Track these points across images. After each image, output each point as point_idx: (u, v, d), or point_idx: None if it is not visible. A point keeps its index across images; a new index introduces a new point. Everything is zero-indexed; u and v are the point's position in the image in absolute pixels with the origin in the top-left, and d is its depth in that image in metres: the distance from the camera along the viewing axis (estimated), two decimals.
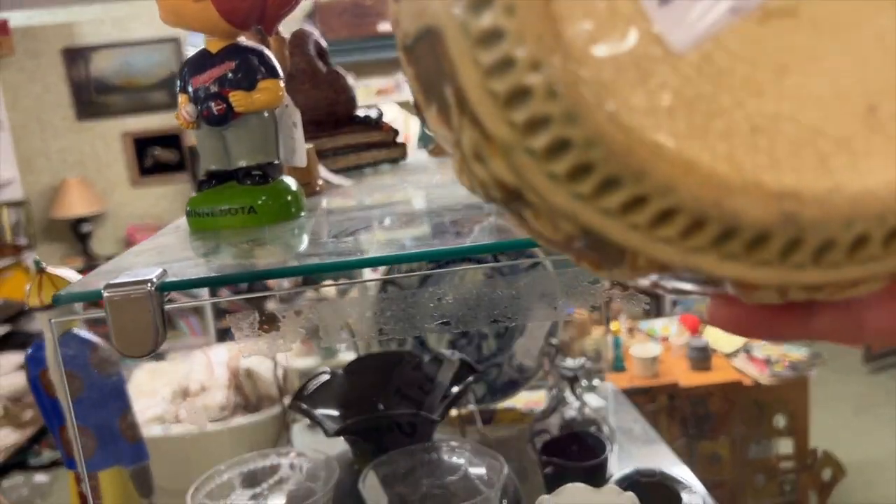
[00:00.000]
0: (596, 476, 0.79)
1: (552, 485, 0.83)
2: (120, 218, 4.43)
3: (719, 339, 2.70)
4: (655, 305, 4.36)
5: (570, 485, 0.59)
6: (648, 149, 0.16)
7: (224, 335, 4.04)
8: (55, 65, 4.25)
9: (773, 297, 0.18)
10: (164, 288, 0.40)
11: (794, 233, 0.17)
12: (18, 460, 3.41)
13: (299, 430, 1.17)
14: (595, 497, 0.57)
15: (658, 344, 2.64)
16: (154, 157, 4.40)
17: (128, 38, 4.23)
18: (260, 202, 0.57)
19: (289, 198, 0.59)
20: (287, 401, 2.54)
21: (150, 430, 2.37)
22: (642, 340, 2.71)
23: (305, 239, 0.56)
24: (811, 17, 0.17)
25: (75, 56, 4.26)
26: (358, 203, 0.71)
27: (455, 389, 0.75)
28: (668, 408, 2.37)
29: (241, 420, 2.45)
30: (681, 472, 0.85)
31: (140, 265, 0.45)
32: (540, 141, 0.17)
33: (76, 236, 4.31)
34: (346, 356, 3.06)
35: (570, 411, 0.97)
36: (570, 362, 0.95)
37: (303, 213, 0.61)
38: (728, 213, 0.16)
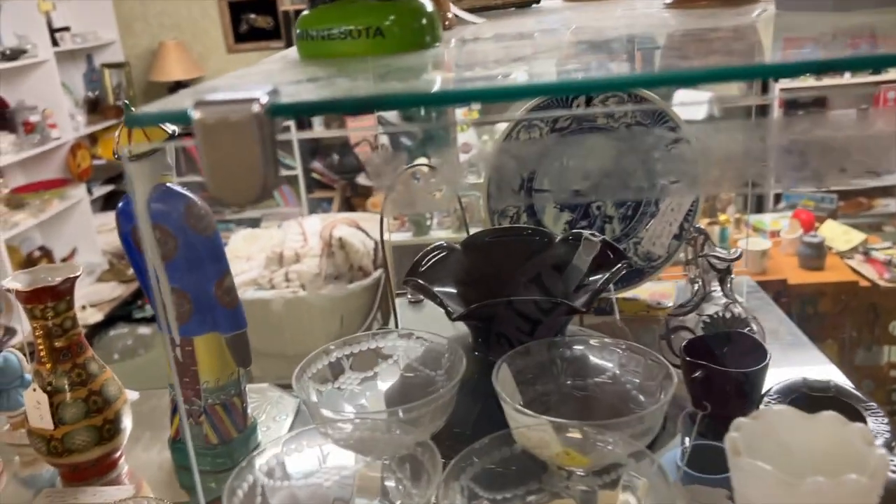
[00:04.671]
0: (754, 386, 0.67)
1: (699, 392, 0.72)
2: None
3: (836, 238, 2.48)
4: (756, 200, 4.07)
5: (773, 407, 0.47)
6: None
7: (315, 207, 4.03)
8: None
9: None
10: (277, 112, 0.29)
11: None
12: (124, 313, 3.59)
13: (400, 307, 1.09)
14: (810, 425, 0.44)
15: (766, 239, 2.47)
16: (249, 22, 4.30)
17: None
18: (388, 22, 0.44)
19: (423, 21, 0.46)
20: (379, 273, 2.49)
21: (243, 294, 2.40)
22: (749, 234, 2.54)
23: (440, 70, 0.44)
24: None
25: None
26: (494, 38, 0.58)
27: (598, 277, 0.63)
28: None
29: (333, 289, 2.43)
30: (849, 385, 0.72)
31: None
32: None
33: None
34: (438, 233, 2.97)
35: (712, 307, 0.84)
36: (722, 252, 0.81)
37: (437, 44, 0.48)
38: None
